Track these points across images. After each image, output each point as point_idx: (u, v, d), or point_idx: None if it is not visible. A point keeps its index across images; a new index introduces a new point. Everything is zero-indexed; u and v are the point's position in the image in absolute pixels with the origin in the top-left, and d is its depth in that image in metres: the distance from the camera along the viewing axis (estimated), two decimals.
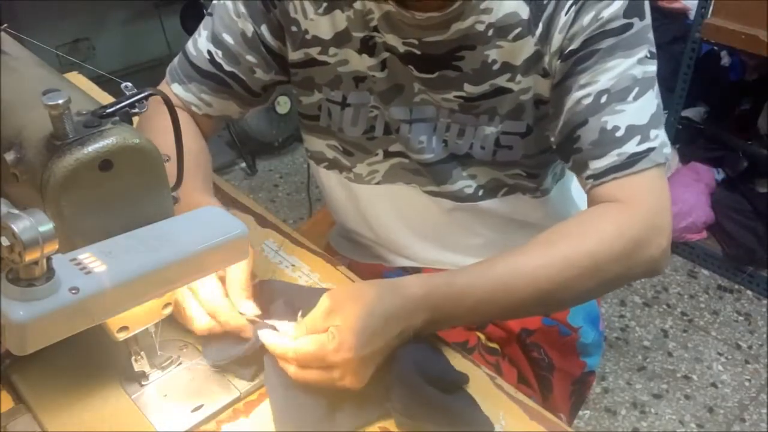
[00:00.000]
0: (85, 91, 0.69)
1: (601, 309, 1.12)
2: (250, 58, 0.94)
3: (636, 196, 0.78)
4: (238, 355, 0.72)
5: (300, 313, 0.73)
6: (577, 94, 0.80)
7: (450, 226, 0.99)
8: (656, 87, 0.81)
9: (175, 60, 0.99)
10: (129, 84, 0.63)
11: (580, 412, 1.80)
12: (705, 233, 2.33)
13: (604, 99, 0.78)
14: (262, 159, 2.85)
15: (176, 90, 0.97)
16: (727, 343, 2.04)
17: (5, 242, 0.49)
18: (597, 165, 0.79)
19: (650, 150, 0.78)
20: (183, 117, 0.97)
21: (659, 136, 0.79)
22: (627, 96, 0.78)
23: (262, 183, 2.74)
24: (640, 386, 1.91)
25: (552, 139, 0.87)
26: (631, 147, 0.78)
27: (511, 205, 0.96)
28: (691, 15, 2.32)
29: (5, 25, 0.76)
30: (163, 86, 1.00)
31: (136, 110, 0.62)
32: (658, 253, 0.78)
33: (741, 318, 2.13)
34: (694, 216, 2.28)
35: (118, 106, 0.60)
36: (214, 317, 0.72)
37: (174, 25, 2.73)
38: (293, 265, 0.91)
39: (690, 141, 2.50)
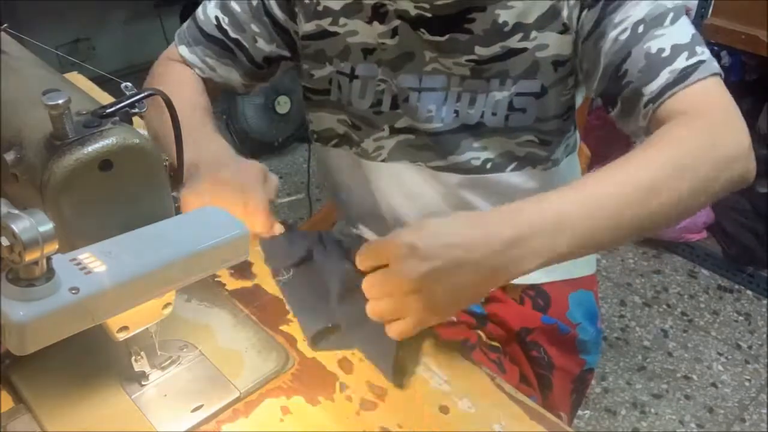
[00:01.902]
0: (85, 91, 0.69)
1: (601, 309, 1.12)
2: (254, 27, 0.98)
3: (699, 104, 0.75)
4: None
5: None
6: (613, 33, 0.79)
7: (453, 206, 0.99)
8: (688, 17, 0.80)
9: (184, 24, 1.03)
10: (129, 84, 0.63)
11: (580, 412, 1.80)
12: (705, 233, 2.33)
13: (641, 29, 0.78)
14: (262, 159, 2.83)
15: (182, 51, 1.01)
16: (727, 343, 2.04)
17: (5, 242, 0.49)
18: (651, 88, 0.77)
19: (701, 62, 0.76)
20: (189, 73, 1.01)
21: (705, 52, 0.78)
22: (663, 21, 0.78)
23: None
24: (640, 386, 1.91)
25: (593, 93, 0.85)
26: (681, 63, 0.76)
27: (518, 180, 0.96)
28: (691, 15, 2.32)
29: (5, 25, 0.76)
30: (170, 48, 1.03)
31: (136, 110, 0.62)
32: (743, 151, 0.73)
33: (741, 318, 2.13)
34: (694, 216, 2.28)
35: (118, 106, 0.60)
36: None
37: (174, 25, 2.72)
38: None
39: None
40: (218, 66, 1.01)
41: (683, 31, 0.78)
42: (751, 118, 2.46)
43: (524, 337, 1.02)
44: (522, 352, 1.02)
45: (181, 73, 1.01)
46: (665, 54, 0.77)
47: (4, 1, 2.20)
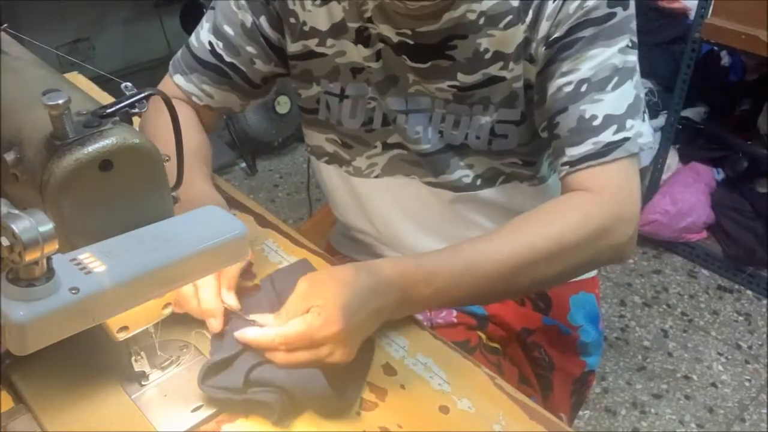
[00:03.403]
0: (85, 91, 0.69)
1: (601, 309, 1.12)
2: (249, 49, 0.96)
3: (606, 185, 0.80)
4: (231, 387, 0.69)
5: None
6: (558, 81, 0.82)
7: (450, 218, 0.99)
8: (636, 77, 0.83)
9: (179, 53, 1.01)
10: (129, 84, 0.63)
11: (580, 412, 1.80)
12: (705, 233, 2.33)
13: (584, 88, 0.80)
14: (262, 159, 2.85)
15: (178, 81, 0.99)
16: (727, 343, 2.04)
17: (5, 242, 0.49)
18: (573, 152, 0.82)
19: (625, 140, 0.80)
20: (184, 110, 0.98)
21: (635, 126, 0.81)
22: (606, 85, 0.80)
23: (262, 183, 2.74)
24: (640, 386, 1.91)
25: (537, 125, 0.89)
26: (607, 136, 0.80)
27: (510, 194, 0.97)
28: (691, 15, 2.32)
29: (5, 25, 0.76)
30: (165, 79, 1.01)
31: (136, 110, 0.62)
32: (624, 241, 0.80)
33: (741, 318, 2.13)
34: (694, 216, 2.28)
35: (118, 106, 0.60)
36: (195, 298, 0.75)
37: (174, 25, 2.73)
38: None
39: (690, 141, 2.50)
40: (216, 92, 0.99)
41: (622, 99, 0.81)
42: (751, 118, 2.46)
43: (525, 338, 1.02)
44: (522, 353, 1.02)
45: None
46: (596, 122, 0.80)
47: (4, 0, 2.20)
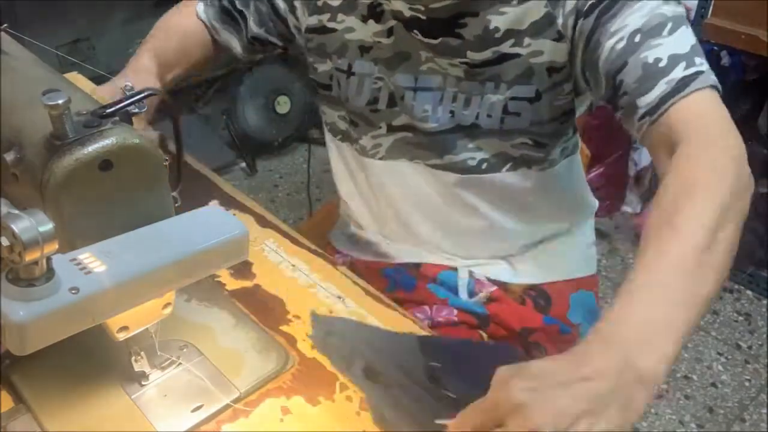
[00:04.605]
0: (85, 91, 0.69)
1: (602, 309, 1.12)
2: (253, 6, 1.05)
3: (698, 119, 0.71)
4: None
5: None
6: (609, 43, 0.77)
7: (451, 202, 0.99)
8: (689, 27, 0.77)
9: None
10: (129, 84, 0.63)
11: None
12: None
13: (638, 38, 0.75)
14: (262, 159, 2.85)
15: (198, 7, 1.09)
16: (727, 343, 2.04)
17: (5, 242, 0.49)
18: (647, 100, 0.74)
19: (699, 73, 0.73)
20: (192, 20, 1.10)
21: (704, 63, 0.74)
22: (661, 31, 0.75)
23: (262, 183, 2.74)
24: None
25: (601, 102, 0.84)
26: (679, 72, 0.73)
27: (516, 180, 0.96)
28: (691, 15, 2.32)
29: (5, 25, 0.76)
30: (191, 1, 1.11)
31: (136, 110, 0.62)
32: (746, 166, 0.72)
33: (741, 318, 2.13)
34: None
35: (118, 106, 0.60)
36: None
37: None
38: (293, 266, 0.91)
39: None
40: (222, 30, 1.08)
41: (682, 41, 0.75)
42: (751, 118, 2.46)
43: (526, 337, 1.02)
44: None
45: (185, 13, 1.10)
46: (662, 64, 0.73)
47: (5, 0, 2.20)
